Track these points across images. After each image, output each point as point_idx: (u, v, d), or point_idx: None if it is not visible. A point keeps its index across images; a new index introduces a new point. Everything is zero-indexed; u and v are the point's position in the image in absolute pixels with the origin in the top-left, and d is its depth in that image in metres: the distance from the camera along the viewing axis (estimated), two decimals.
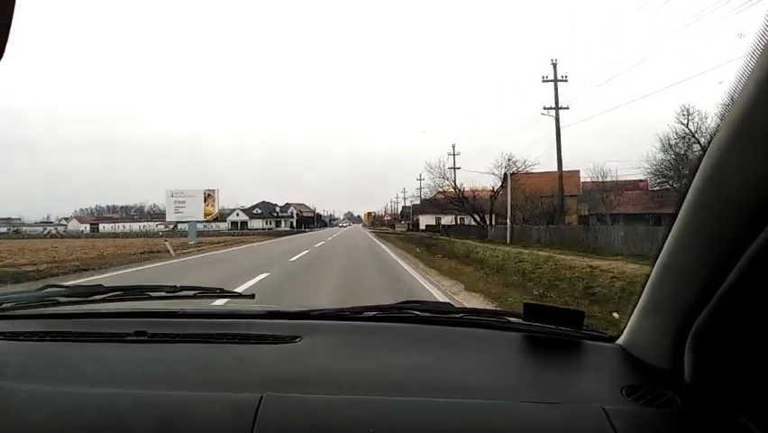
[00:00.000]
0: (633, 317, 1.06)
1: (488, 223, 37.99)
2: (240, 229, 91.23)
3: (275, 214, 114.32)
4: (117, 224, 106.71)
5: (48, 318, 1.38)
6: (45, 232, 79.43)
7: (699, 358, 0.84)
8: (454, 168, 42.71)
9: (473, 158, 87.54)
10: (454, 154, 44.16)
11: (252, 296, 1.68)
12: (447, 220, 58.49)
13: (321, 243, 27.58)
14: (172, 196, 36.53)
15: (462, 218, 49.26)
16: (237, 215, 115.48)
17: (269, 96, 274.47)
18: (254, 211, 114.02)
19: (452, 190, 41.89)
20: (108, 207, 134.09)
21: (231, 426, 0.81)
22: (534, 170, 36.10)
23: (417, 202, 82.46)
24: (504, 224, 32.66)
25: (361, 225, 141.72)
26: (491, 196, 38.37)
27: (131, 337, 1.18)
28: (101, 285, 1.60)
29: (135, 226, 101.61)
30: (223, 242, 33.52)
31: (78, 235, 64.12)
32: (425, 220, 67.84)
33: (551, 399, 0.89)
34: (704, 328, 0.80)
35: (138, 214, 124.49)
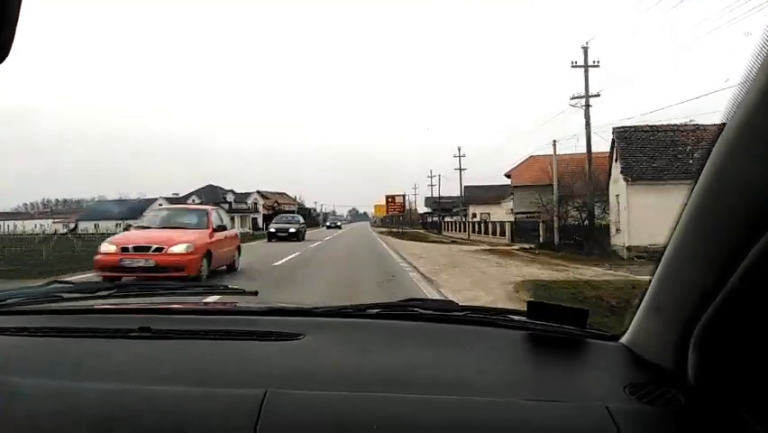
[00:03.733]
0: (637, 316, 1.06)
1: None
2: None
3: (226, 206, 66.90)
4: (19, 221, 77.23)
5: (52, 314, 1.39)
6: None
7: (704, 357, 0.84)
8: None
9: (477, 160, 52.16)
10: None
11: (256, 293, 1.71)
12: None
13: None
14: None
15: None
16: (160, 205, 67.34)
17: (268, 94, 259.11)
18: (189, 201, 66.29)
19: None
20: (57, 200, 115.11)
21: (235, 421, 0.82)
22: None
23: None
24: None
25: (368, 223, 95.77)
26: None
27: (134, 333, 1.18)
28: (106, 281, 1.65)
29: (30, 224, 72.58)
30: None
31: None
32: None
33: (554, 397, 0.90)
34: (708, 327, 0.80)
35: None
